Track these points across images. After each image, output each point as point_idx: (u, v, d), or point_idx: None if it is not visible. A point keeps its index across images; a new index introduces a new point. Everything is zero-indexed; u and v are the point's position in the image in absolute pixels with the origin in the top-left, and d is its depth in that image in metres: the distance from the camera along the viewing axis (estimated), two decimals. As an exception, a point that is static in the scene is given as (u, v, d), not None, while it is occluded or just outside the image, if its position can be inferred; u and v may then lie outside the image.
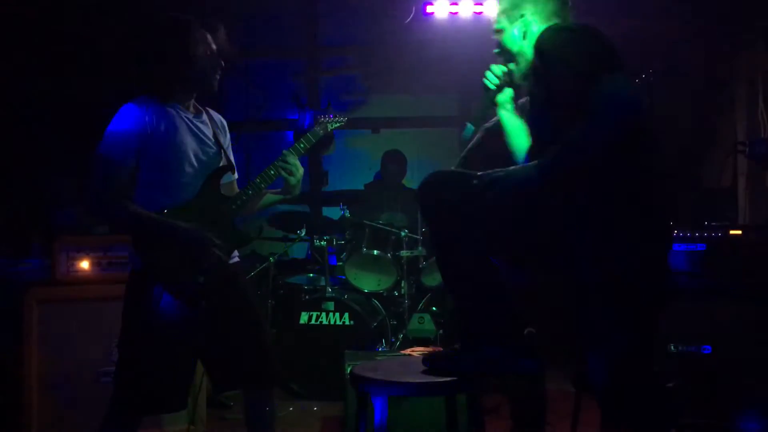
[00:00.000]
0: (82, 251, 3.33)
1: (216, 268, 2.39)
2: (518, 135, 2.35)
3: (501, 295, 1.98)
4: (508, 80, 2.28)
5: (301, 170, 2.61)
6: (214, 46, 2.44)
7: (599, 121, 1.80)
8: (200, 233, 2.35)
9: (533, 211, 1.91)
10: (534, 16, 2.16)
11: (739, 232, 3.42)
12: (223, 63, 2.47)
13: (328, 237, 4.51)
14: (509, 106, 2.37)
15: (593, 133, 1.81)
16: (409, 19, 4.72)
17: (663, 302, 2.01)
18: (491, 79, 2.30)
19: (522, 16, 2.16)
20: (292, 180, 2.58)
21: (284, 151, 2.60)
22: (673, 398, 3.24)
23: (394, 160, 5.41)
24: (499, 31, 2.24)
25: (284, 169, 2.56)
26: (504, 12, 2.22)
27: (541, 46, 1.99)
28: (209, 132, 2.52)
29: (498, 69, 2.29)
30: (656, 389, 1.99)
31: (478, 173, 1.97)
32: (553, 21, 2.15)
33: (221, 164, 2.53)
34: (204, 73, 2.43)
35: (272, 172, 2.55)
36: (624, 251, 1.86)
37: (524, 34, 2.16)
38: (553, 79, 1.94)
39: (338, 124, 2.85)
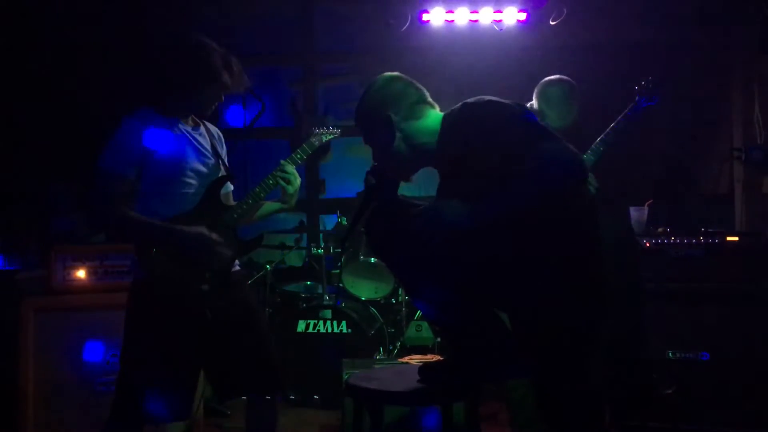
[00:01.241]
0: (79, 260, 3.33)
1: (221, 270, 2.41)
2: None
3: (481, 309, 1.97)
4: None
5: (299, 180, 2.65)
6: (228, 84, 2.45)
7: (537, 178, 1.79)
8: (203, 234, 2.36)
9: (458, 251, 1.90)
10: (400, 112, 2.12)
11: (736, 238, 3.43)
12: (223, 98, 2.50)
13: (324, 245, 4.51)
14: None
15: (530, 187, 1.80)
16: (405, 27, 4.73)
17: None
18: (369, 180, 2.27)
19: (387, 117, 2.12)
20: (290, 189, 2.62)
21: (282, 162, 2.65)
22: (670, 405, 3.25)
23: None
24: (369, 139, 2.22)
25: (282, 178, 2.61)
26: (367, 121, 2.19)
27: (466, 122, 1.98)
28: (207, 144, 2.55)
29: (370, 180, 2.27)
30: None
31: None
32: (422, 108, 2.14)
33: (220, 175, 2.55)
34: (205, 105, 2.47)
35: (271, 182, 2.61)
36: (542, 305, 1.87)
37: (394, 132, 2.13)
38: (479, 152, 1.91)
39: (332, 136, 2.92)
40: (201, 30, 2.50)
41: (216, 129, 2.67)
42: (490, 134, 1.90)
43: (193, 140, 2.48)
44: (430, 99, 2.19)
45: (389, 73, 2.21)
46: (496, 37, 4.84)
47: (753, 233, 3.53)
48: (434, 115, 2.16)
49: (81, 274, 3.32)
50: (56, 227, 4.11)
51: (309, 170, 5.94)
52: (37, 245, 3.90)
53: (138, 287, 2.41)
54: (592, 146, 3.27)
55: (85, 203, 2.34)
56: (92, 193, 2.33)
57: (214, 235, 2.38)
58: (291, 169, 2.63)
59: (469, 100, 2.02)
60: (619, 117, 3.33)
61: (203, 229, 2.37)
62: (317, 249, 4.56)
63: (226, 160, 2.65)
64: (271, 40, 5.83)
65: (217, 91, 2.46)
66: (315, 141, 2.82)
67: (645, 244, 3.48)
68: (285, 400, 4.10)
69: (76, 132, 4.39)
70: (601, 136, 3.30)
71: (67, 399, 3.17)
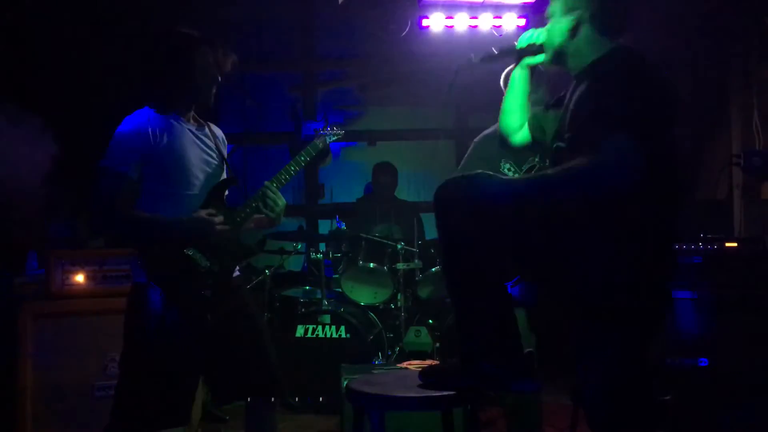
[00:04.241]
0: (77, 265, 3.32)
1: (223, 274, 2.41)
2: (513, 110, 2.36)
3: (505, 311, 1.97)
4: (538, 50, 2.23)
5: (282, 202, 2.59)
6: (212, 61, 2.45)
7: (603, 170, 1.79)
8: (201, 217, 2.36)
9: (538, 225, 1.91)
10: (589, 20, 2.07)
11: (735, 244, 3.43)
12: (219, 78, 2.49)
13: (324, 250, 4.51)
14: (526, 73, 2.36)
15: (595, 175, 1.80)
16: (405, 33, 4.74)
17: (659, 326, 2.03)
18: (526, 38, 2.26)
19: (577, 11, 2.07)
20: (271, 215, 2.57)
21: (266, 183, 2.58)
22: (669, 411, 3.25)
23: (386, 172, 5.38)
24: (548, 18, 2.17)
25: (264, 204, 2.55)
26: (561, 2, 2.13)
27: (606, 74, 1.98)
28: (212, 144, 2.54)
29: (537, 35, 2.22)
30: (649, 415, 1.99)
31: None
32: (608, 35, 2.11)
33: (224, 176, 2.54)
34: (200, 88, 2.45)
35: (254, 204, 2.54)
36: (626, 277, 1.86)
37: (571, 31, 2.08)
38: (597, 101, 1.90)
39: (336, 137, 2.90)
40: (205, 36, 2.50)
41: (220, 131, 2.65)
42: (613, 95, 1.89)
43: (196, 139, 2.48)
44: (623, 30, 2.20)
45: None
46: (495, 43, 4.85)
47: (752, 239, 3.53)
48: None
49: (80, 278, 3.32)
50: (55, 232, 4.10)
51: (308, 175, 5.95)
52: (36, 250, 3.89)
53: (138, 291, 2.40)
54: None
55: (87, 204, 2.33)
56: (94, 192, 2.32)
57: (212, 213, 2.39)
58: (272, 194, 2.56)
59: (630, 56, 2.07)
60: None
61: (203, 212, 2.38)
62: (316, 254, 4.56)
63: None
64: (272, 46, 5.85)
65: (206, 70, 2.44)
66: (319, 143, 2.80)
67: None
68: (284, 405, 4.09)
69: (74, 135, 4.39)
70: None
71: (66, 404, 3.16)
